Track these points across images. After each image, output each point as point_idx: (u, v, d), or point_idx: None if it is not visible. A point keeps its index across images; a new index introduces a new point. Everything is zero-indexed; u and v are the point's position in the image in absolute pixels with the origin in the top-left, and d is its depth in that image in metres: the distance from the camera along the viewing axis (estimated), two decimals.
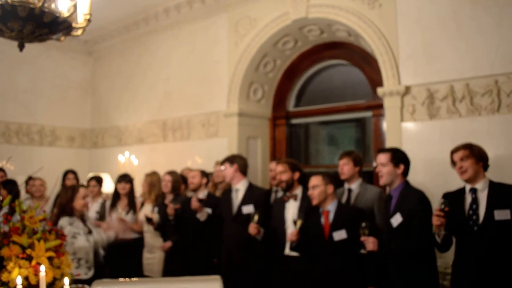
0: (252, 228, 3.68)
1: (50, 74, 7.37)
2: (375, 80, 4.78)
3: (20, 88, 7.01)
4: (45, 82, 7.31)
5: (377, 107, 4.83)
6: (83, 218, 3.82)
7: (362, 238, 3.04)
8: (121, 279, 2.10)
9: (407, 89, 4.21)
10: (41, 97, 7.27)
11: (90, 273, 3.68)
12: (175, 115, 6.36)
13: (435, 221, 2.78)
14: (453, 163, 2.97)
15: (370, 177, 4.91)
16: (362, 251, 3.08)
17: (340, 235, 3.22)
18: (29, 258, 2.09)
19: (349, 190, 3.69)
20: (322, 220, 3.34)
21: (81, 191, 3.84)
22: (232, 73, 5.66)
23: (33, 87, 7.17)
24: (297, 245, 3.38)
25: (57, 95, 7.44)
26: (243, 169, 4.14)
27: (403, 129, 4.23)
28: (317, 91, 5.88)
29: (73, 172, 5.57)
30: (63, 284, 1.94)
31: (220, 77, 5.82)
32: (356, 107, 5.30)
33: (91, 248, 3.73)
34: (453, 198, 2.92)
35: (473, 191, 2.88)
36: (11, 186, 4.90)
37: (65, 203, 3.71)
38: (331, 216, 3.32)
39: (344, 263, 3.20)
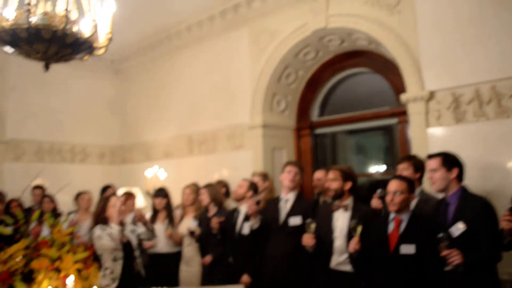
0: (309, 239, 3.38)
1: (80, 94, 7.61)
2: (398, 86, 4.73)
3: (51, 108, 7.26)
4: (75, 102, 7.55)
5: (402, 113, 4.76)
6: (121, 225, 3.91)
7: (445, 253, 2.67)
8: None
9: (431, 94, 4.15)
10: (71, 116, 7.50)
11: (114, 285, 3.69)
12: (201, 129, 6.45)
13: (506, 225, 2.56)
14: None
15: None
16: (447, 268, 2.67)
17: (408, 249, 2.87)
18: (58, 270, 2.15)
19: None
20: (390, 228, 3.00)
21: (113, 199, 3.95)
22: (255, 85, 5.71)
23: (64, 107, 7.41)
24: (358, 256, 3.02)
25: (86, 113, 7.67)
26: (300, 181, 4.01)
27: (429, 134, 4.15)
28: (341, 100, 5.86)
29: (111, 187, 5.73)
30: None
31: (243, 90, 5.88)
32: (381, 114, 5.24)
33: (121, 258, 3.77)
34: None
35: None
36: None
37: (98, 213, 3.85)
38: (403, 227, 2.97)
39: (407, 279, 2.84)
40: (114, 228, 3.82)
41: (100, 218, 3.85)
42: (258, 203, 3.92)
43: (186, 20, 6.39)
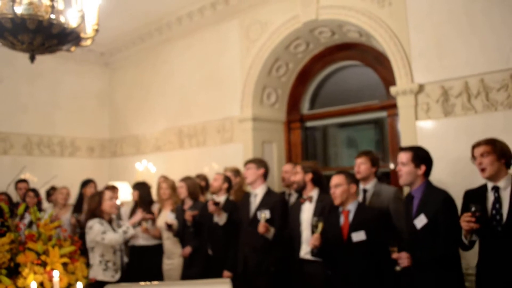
0: (261, 227, 3.68)
1: (69, 86, 7.54)
2: (388, 79, 4.74)
3: (40, 101, 7.19)
4: (64, 94, 7.48)
5: (392, 106, 4.77)
6: (110, 221, 3.99)
7: (394, 256, 2.86)
8: (133, 283, 2.12)
9: (421, 87, 4.16)
10: (61, 109, 7.43)
11: (117, 276, 3.84)
12: (191, 122, 6.42)
13: (465, 226, 2.62)
14: (473, 157, 2.83)
15: (388, 178, 4.85)
16: (397, 268, 2.87)
17: (359, 236, 3.10)
18: (44, 264, 2.13)
19: (364, 191, 3.64)
20: (342, 220, 3.24)
21: (107, 193, 4.04)
22: (245, 78, 5.69)
23: (53, 100, 7.34)
24: (319, 250, 3.24)
25: (76, 106, 7.60)
26: (267, 174, 4.15)
27: (418, 128, 4.17)
28: (331, 93, 5.86)
29: (92, 181, 5.68)
30: None
31: (233, 82, 5.86)
32: (370, 107, 5.25)
33: (119, 250, 3.91)
34: (475, 196, 2.82)
35: (496, 189, 2.74)
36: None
37: (94, 208, 3.94)
38: (351, 216, 3.21)
39: (363, 266, 3.07)
40: (124, 225, 3.98)
41: (96, 212, 3.91)
42: (217, 203, 4.09)
43: (177, 11, 6.33)
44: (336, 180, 3.26)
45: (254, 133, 5.62)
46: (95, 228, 3.81)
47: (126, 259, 4.42)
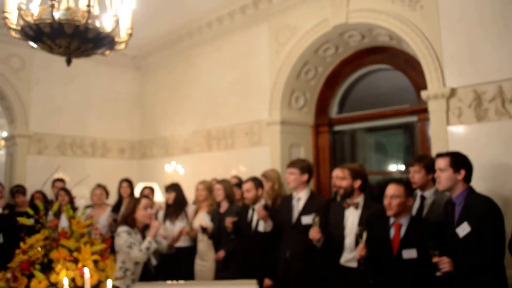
0: (314, 233, 3.46)
1: (101, 89, 7.75)
2: (419, 83, 4.66)
3: (73, 103, 7.42)
4: (97, 97, 7.69)
5: (422, 111, 4.69)
6: (143, 230, 3.85)
7: (435, 260, 2.73)
8: (159, 282, 2.15)
9: (453, 91, 4.07)
10: (93, 111, 7.64)
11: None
12: (219, 124, 6.48)
13: None
14: None
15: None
16: (438, 273, 2.74)
17: (410, 253, 2.94)
18: (76, 261, 2.19)
19: (422, 198, 3.40)
20: (392, 233, 3.06)
21: (143, 201, 3.89)
22: (274, 81, 5.71)
23: (86, 102, 7.56)
24: (365, 262, 3.07)
25: (107, 108, 7.80)
26: (310, 179, 3.98)
27: (450, 133, 4.08)
28: (360, 97, 5.80)
29: (128, 180, 5.77)
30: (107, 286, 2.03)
31: (261, 86, 5.89)
32: (400, 112, 5.18)
33: (143, 261, 3.75)
34: None
35: None
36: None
37: (127, 215, 3.82)
38: (403, 231, 3.02)
39: (412, 283, 2.90)
40: (151, 243, 3.76)
41: (129, 219, 3.80)
42: (266, 207, 3.91)
43: (207, 16, 6.42)
44: (395, 190, 3.05)
45: (282, 137, 5.63)
46: (123, 237, 3.69)
47: (154, 262, 4.30)
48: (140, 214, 3.83)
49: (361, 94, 5.80)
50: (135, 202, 3.89)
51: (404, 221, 3.05)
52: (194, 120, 6.95)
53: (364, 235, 3.05)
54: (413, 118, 5.06)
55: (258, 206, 3.93)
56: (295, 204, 3.94)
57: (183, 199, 4.99)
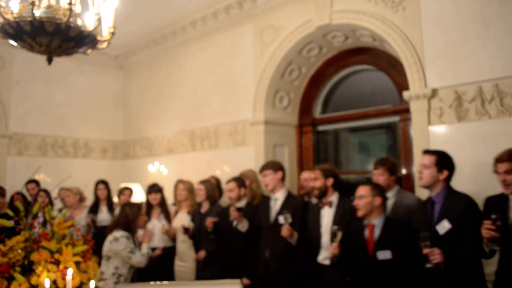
0: (285, 230, 3.60)
1: (83, 88, 7.64)
2: (402, 84, 4.72)
3: (55, 103, 7.31)
4: (79, 96, 7.59)
5: (404, 111, 4.75)
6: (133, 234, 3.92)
7: (426, 251, 2.76)
8: (144, 283, 2.14)
9: (434, 92, 4.13)
10: (75, 110, 7.54)
11: None
12: (203, 125, 6.46)
13: (486, 234, 2.60)
14: (497, 172, 2.81)
15: (400, 183, 4.81)
16: (428, 265, 2.77)
17: (384, 255, 3.01)
18: (57, 263, 2.16)
19: (385, 199, 3.47)
20: (366, 234, 3.13)
21: (143, 207, 4.04)
22: (258, 81, 5.71)
23: (67, 101, 7.45)
24: (338, 259, 3.15)
25: (90, 108, 7.70)
26: (284, 177, 4.06)
27: (431, 132, 4.14)
28: (344, 97, 5.85)
29: (104, 182, 5.74)
30: None
31: (246, 86, 5.89)
32: (383, 112, 5.23)
33: (143, 266, 3.83)
34: (495, 204, 2.82)
35: None
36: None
37: (131, 219, 3.86)
38: (377, 232, 3.09)
39: (387, 283, 2.98)
40: (149, 248, 3.94)
41: (133, 225, 3.85)
42: (240, 209, 3.97)
43: (191, 15, 6.39)
44: (361, 191, 3.16)
45: (266, 136, 5.64)
46: (123, 243, 3.72)
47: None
48: (141, 220, 3.94)
49: (344, 95, 5.85)
50: (138, 208, 3.95)
51: (377, 222, 3.12)
52: (178, 120, 6.92)
53: (339, 235, 3.13)
54: (395, 118, 5.12)
55: (231, 207, 4.00)
56: (273, 205, 4.02)
57: (165, 200, 5.04)
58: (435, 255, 2.74)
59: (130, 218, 3.86)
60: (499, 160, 2.82)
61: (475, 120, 3.88)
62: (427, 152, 3.12)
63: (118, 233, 3.76)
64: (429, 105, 4.15)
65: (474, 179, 3.73)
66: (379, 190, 3.20)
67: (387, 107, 5.19)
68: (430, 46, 4.20)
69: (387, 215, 3.36)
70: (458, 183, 3.78)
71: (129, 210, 3.91)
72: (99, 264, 2.35)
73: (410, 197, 3.54)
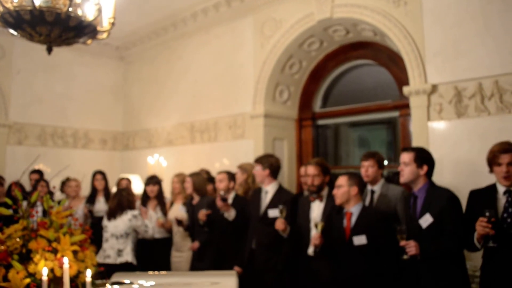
0: (279, 224, 3.66)
1: (84, 79, 7.63)
2: (402, 79, 4.72)
3: (55, 93, 7.29)
4: (79, 87, 7.57)
5: (404, 106, 4.75)
6: None
7: (402, 243, 2.87)
8: (142, 272, 2.16)
9: (434, 88, 4.13)
10: (75, 101, 7.53)
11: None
12: (203, 117, 6.46)
13: (481, 230, 2.63)
14: (498, 164, 2.79)
15: (398, 178, 4.82)
16: (405, 256, 2.88)
17: (360, 240, 3.15)
18: (55, 251, 2.17)
19: (372, 192, 3.64)
20: (345, 222, 3.28)
21: (122, 182, 4.86)
22: (258, 74, 5.70)
23: (67, 92, 7.44)
24: (321, 250, 3.31)
25: (90, 99, 7.69)
26: (275, 172, 4.11)
27: (430, 128, 4.15)
28: (344, 92, 5.84)
29: (101, 173, 5.75)
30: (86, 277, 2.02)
31: (246, 79, 5.88)
32: (382, 107, 5.23)
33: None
34: (482, 197, 2.85)
35: (509, 193, 2.75)
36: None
37: (132, 200, 4.49)
38: (353, 219, 3.24)
39: (363, 268, 3.12)
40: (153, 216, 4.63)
41: (132, 205, 4.45)
42: (224, 199, 4.13)
43: (192, 7, 6.36)
44: (338, 181, 3.32)
45: (265, 130, 5.64)
46: (140, 219, 4.42)
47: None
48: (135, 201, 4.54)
49: (345, 89, 5.84)
50: (129, 191, 4.60)
51: (355, 210, 3.27)
52: (178, 112, 6.91)
53: (319, 226, 3.29)
54: (395, 114, 5.12)
55: (217, 197, 4.15)
56: (263, 197, 4.08)
57: (163, 192, 5.11)
58: (411, 247, 2.85)
59: (131, 200, 4.44)
60: (503, 150, 2.79)
61: (474, 116, 3.89)
62: (405, 149, 3.20)
63: (134, 212, 4.40)
64: (428, 101, 4.16)
65: (472, 174, 3.74)
66: (356, 180, 3.33)
67: (387, 102, 5.19)
68: (430, 42, 4.20)
69: (373, 206, 3.51)
70: (456, 178, 3.84)
71: (126, 193, 4.46)
72: (96, 253, 2.36)
73: (395, 189, 3.59)
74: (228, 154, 6.02)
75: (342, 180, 3.31)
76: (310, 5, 5.14)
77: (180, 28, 6.82)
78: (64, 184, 5.70)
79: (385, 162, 4.02)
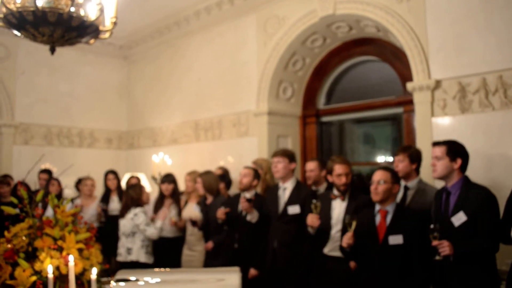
0: (314, 219, 3.47)
1: (88, 79, 7.67)
2: (406, 75, 4.70)
3: (60, 93, 7.34)
4: (83, 87, 7.62)
5: (408, 102, 4.73)
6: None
7: (435, 243, 2.71)
8: (147, 269, 2.18)
9: (438, 83, 4.12)
10: (80, 101, 7.57)
11: (152, 259, 4.45)
12: (207, 115, 6.48)
13: None
14: None
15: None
16: (437, 257, 2.73)
17: (396, 239, 2.94)
18: (60, 249, 2.19)
19: (406, 188, 3.44)
20: (377, 220, 3.07)
21: (145, 186, 4.69)
22: (261, 72, 5.71)
23: (72, 91, 7.48)
24: (351, 250, 3.07)
25: (94, 98, 7.73)
26: (295, 169, 4.03)
27: (434, 124, 4.13)
28: (348, 88, 5.83)
29: (113, 172, 5.80)
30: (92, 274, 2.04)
31: (249, 76, 5.88)
32: (387, 103, 5.22)
33: (156, 239, 4.41)
34: None
35: None
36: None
37: (137, 198, 4.45)
38: (389, 218, 3.03)
39: (398, 269, 2.92)
40: (158, 221, 4.50)
41: (140, 202, 4.45)
42: (250, 200, 3.92)
43: (195, 5, 6.37)
44: (381, 176, 3.06)
45: (269, 127, 5.64)
46: (141, 217, 4.35)
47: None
48: (146, 196, 4.53)
49: (348, 86, 5.83)
50: (139, 188, 4.54)
51: (390, 208, 3.06)
52: (182, 111, 6.93)
53: (353, 224, 3.04)
54: (399, 110, 5.10)
55: (241, 198, 3.98)
56: (281, 194, 3.97)
57: (178, 191, 5.07)
58: (444, 247, 2.69)
59: (135, 198, 4.43)
60: None
61: (478, 112, 3.87)
62: (436, 143, 3.04)
63: (136, 210, 4.38)
64: (432, 97, 4.14)
65: (477, 170, 3.71)
66: (398, 178, 3.16)
67: (391, 99, 5.17)
68: (434, 37, 4.18)
69: (407, 204, 3.32)
70: None
71: (133, 192, 4.48)
72: (102, 251, 2.38)
73: (433, 188, 3.39)
74: (232, 152, 6.04)
75: (385, 176, 3.06)
76: (313, 2, 5.13)
77: (183, 27, 6.83)
78: (79, 182, 5.75)
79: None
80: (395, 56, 5.04)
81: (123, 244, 4.41)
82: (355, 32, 5.28)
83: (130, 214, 4.39)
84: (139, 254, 4.33)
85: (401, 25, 4.40)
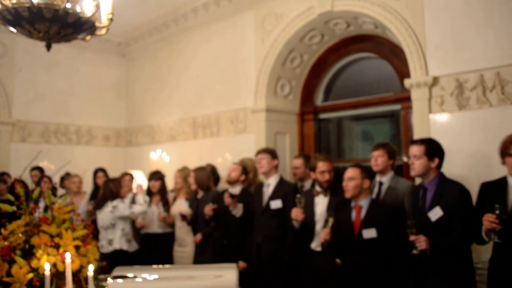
0: (298, 213, 3.60)
1: (86, 76, 7.65)
2: (403, 72, 4.70)
3: (57, 90, 7.32)
4: (81, 84, 7.59)
5: (406, 99, 4.73)
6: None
7: (412, 238, 2.84)
8: (143, 266, 2.18)
9: (435, 80, 4.12)
10: (78, 98, 7.55)
11: (135, 245, 4.59)
12: (205, 112, 6.47)
13: (488, 225, 2.62)
14: (509, 155, 2.78)
15: (400, 171, 4.83)
16: (414, 251, 2.85)
17: (369, 233, 3.08)
18: (57, 246, 2.19)
19: (380, 183, 3.58)
20: (353, 215, 3.21)
21: (126, 178, 4.84)
22: (259, 69, 5.70)
23: (70, 89, 7.46)
24: (329, 245, 3.23)
25: (92, 96, 7.71)
26: (277, 166, 4.24)
27: (432, 121, 4.13)
28: (346, 85, 5.83)
29: (103, 170, 5.80)
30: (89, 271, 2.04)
31: (247, 73, 5.87)
32: (384, 100, 5.22)
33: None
34: (493, 190, 2.84)
35: None
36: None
37: (116, 191, 4.54)
38: (363, 213, 3.17)
39: (373, 262, 3.05)
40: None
41: (118, 194, 4.53)
42: (232, 196, 4.13)
43: (193, 2, 6.35)
44: (351, 173, 3.22)
45: (267, 124, 5.64)
46: (121, 206, 4.43)
47: (136, 246, 4.62)
48: (125, 190, 4.64)
49: (346, 82, 5.83)
50: (119, 182, 4.64)
51: (364, 203, 3.20)
52: (180, 108, 6.92)
53: (330, 221, 3.21)
54: (397, 107, 5.10)
55: (225, 194, 4.16)
56: (265, 190, 4.16)
57: (165, 187, 5.16)
58: (421, 242, 2.81)
59: (114, 191, 4.51)
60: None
61: (476, 108, 3.87)
62: (415, 142, 3.15)
63: (113, 203, 4.45)
64: (430, 93, 4.14)
65: (475, 167, 3.73)
66: (368, 173, 3.27)
67: (388, 95, 5.17)
68: (431, 34, 4.18)
69: (381, 199, 3.45)
70: (458, 171, 3.81)
71: (112, 185, 4.56)
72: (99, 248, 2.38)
73: (404, 183, 3.55)
74: (230, 148, 6.03)
75: (354, 173, 3.21)
76: None
77: (181, 24, 6.81)
78: (63, 179, 5.74)
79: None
80: (393, 53, 5.03)
81: (104, 236, 4.49)
82: (353, 29, 5.27)
83: (108, 208, 4.46)
84: (121, 243, 4.43)
85: (399, 22, 4.40)
